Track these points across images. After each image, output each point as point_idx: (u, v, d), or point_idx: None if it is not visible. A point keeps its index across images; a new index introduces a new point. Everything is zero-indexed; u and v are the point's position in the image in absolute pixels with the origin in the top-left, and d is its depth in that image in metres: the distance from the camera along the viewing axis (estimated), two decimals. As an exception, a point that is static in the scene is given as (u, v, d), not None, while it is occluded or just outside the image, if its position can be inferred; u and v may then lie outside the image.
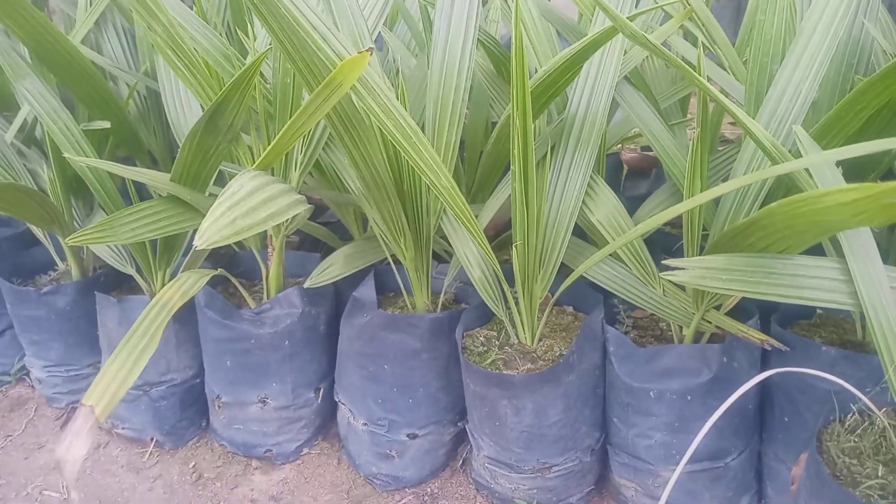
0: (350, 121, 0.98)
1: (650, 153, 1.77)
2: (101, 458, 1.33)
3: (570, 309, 1.24)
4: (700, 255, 1.06)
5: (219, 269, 1.16)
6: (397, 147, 0.92)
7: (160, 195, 1.19)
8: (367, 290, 1.25)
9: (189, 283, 1.00)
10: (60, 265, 1.49)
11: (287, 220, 1.20)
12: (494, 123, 1.50)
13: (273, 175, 1.18)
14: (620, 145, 1.82)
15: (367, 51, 0.79)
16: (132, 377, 0.81)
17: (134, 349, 0.84)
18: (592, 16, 1.21)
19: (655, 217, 0.94)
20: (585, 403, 1.09)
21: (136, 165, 1.60)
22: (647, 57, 1.39)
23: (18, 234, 1.55)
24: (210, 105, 1.01)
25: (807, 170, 0.90)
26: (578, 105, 1.13)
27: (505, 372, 1.07)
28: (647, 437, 1.07)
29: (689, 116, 1.46)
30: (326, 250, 1.41)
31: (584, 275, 1.10)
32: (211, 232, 0.76)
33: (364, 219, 1.47)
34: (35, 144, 1.61)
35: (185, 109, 1.36)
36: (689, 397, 1.03)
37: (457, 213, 0.99)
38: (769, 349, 1.02)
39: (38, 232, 1.47)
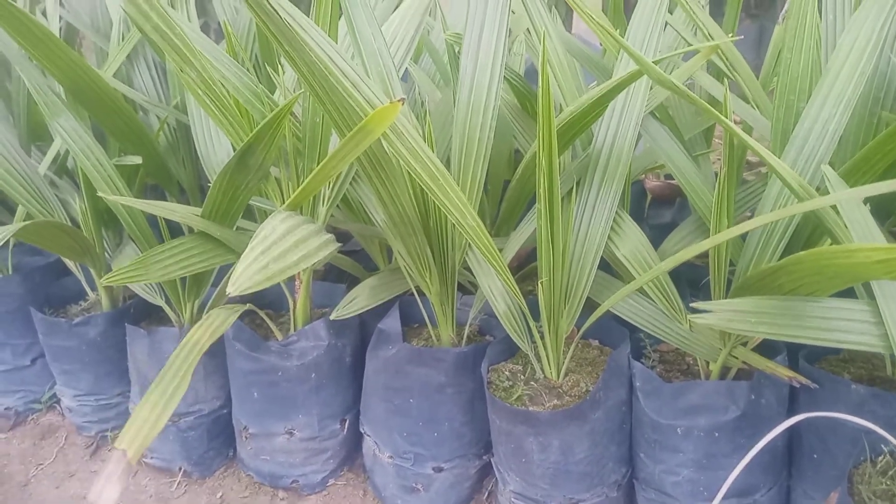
0: (378, 161, 1.00)
1: (674, 182, 1.77)
2: (130, 487, 1.34)
3: (596, 343, 1.24)
4: (727, 290, 1.06)
5: (248, 305, 1.18)
6: (424, 188, 0.93)
7: (190, 228, 1.21)
8: (392, 322, 1.26)
9: (218, 322, 1.01)
10: (91, 295, 1.52)
11: (314, 255, 1.22)
12: (517, 152, 1.52)
13: (301, 209, 1.21)
14: (644, 174, 1.82)
15: (399, 101, 0.80)
16: (163, 419, 0.83)
17: (165, 391, 0.86)
18: (617, 53, 1.22)
19: (681, 253, 0.94)
20: (612, 440, 1.09)
21: (164, 195, 1.64)
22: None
23: (50, 265, 1.58)
24: (241, 146, 1.03)
25: (834, 208, 0.90)
26: (604, 141, 1.14)
27: (531, 408, 1.07)
28: (674, 473, 1.07)
29: (712, 147, 1.47)
30: (351, 280, 1.42)
31: (610, 309, 1.10)
32: (244, 279, 0.78)
33: (389, 249, 1.48)
34: (66, 174, 1.65)
35: (214, 143, 1.38)
36: (716, 434, 1.03)
37: (483, 251, 1.00)
38: (797, 386, 1.02)
39: (70, 263, 1.50)
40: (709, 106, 0.89)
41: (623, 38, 1.09)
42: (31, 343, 1.53)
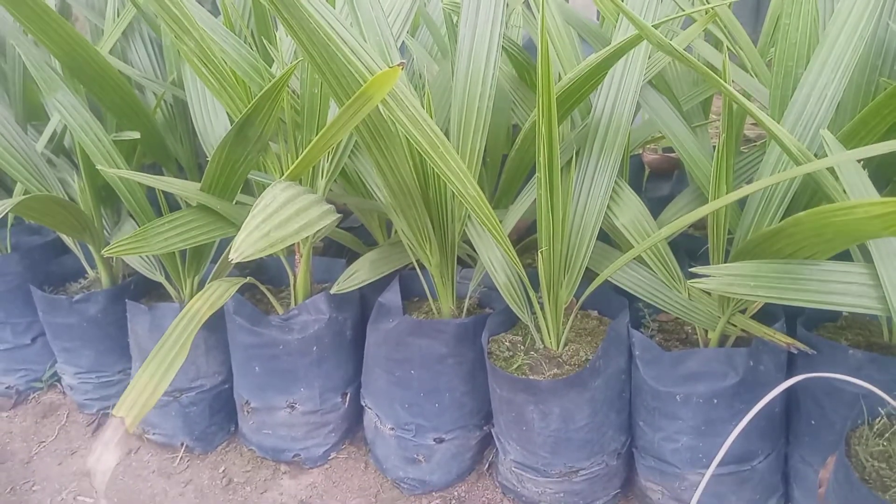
0: (377, 130, 1.00)
1: (672, 155, 1.77)
2: (132, 463, 1.35)
3: (595, 313, 1.24)
4: (725, 258, 1.06)
5: (248, 277, 1.18)
6: (424, 156, 0.93)
7: (188, 204, 1.21)
8: (392, 296, 1.26)
9: (218, 294, 1.02)
10: (90, 273, 1.52)
11: (314, 228, 1.22)
12: (515, 126, 1.51)
13: (300, 182, 1.21)
14: (642, 147, 1.82)
15: (398, 65, 0.80)
16: (161, 388, 0.83)
17: (164, 360, 0.86)
18: (616, 20, 1.21)
19: (680, 220, 0.95)
20: (611, 408, 1.10)
21: (162, 173, 1.63)
22: (670, 61, 1.39)
23: (48, 243, 1.57)
24: (240, 117, 1.03)
25: (832, 172, 0.91)
26: (602, 110, 1.14)
27: (531, 377, 1.08)
28: (673, 440, 1.08)
29: (710, 118, 1.47)
30: (351, 256, 1.42)
31: (609, 279, 1.10)
32: (246, 245, 0.78)
33: (388, 224, 1.48)
34: (63, 153, 1.64)
35: (212, 118, 1.38)
36: (715, 401, 1.03)
37: (483, 221, 1.00)
38: (795, 352, 1.02)
39: (68, 240, 1.49)
40: (709, 71, 0.89)
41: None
42: (32, 322, 1.53)
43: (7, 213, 1.08)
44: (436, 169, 0.95)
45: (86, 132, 1.25)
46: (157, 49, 1.60)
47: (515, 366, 1.11)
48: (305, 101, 1.15)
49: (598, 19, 1.53)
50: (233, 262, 0.76)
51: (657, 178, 1.79)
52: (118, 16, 1.57)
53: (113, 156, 1.28)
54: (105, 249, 0.97)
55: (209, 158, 1.32)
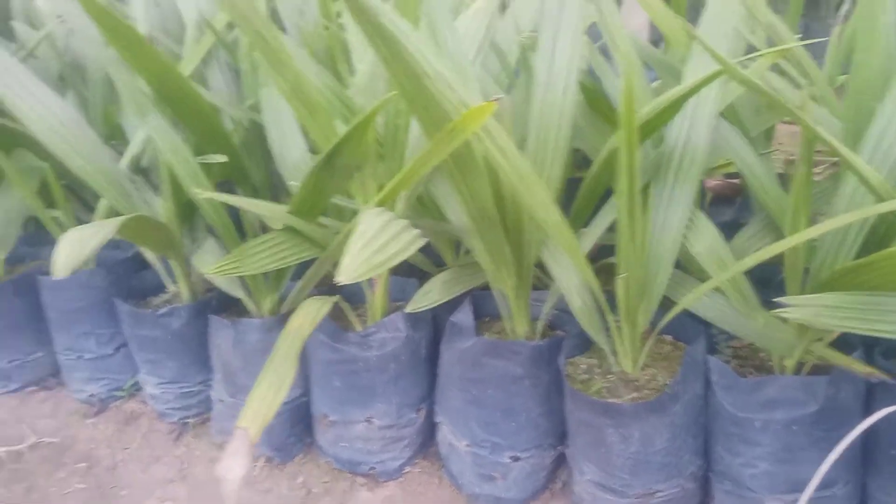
0: (461, 159, 1.03)
1: (734, 180, 1.78)
2: (214, 472, 1.40)
3: (669, 338, 1.27)
4: (802, 289, 1.08)
5: (336, 297, 1.23)
6: (513, 187, 0.97)
7: (262, 223, 1.27)
8: (464, 316, 1.29)
9: (315, 311, 1.07)
10: (171, 287, 1.58)
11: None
12: (576, 150, 1.54)
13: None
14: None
15: (494, 100, 0.84)
16: (279, 399, 0.89)
17: (276, 373, 0.91)
18: (684, 48, 1.24)
19: (763, 251, 0.97)
20: (689, 432, 1.12)
21: (235, 192, 1.69)
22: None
23: (130, 258, 1.65)
24: (330, 147, 1.07)
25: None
26: (676, 139, 1.17)
27: (610, 400, 1.11)
28: (752, 465, 1.09)
29: (773, 147, 1.48)
30: (422, 275, 1.47)
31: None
32: (351, 269, 0.83)
33: (457, 244, 1.52)
34: (139, 172, 1.71)
35: (289, 143, 1.43)
36: (794, 428, 1.05)
37: (565, 247, 1.04)
38: (875, 382, 1.03)
39: (151, 256, 1.56)
40: (794, 109, 0.91)
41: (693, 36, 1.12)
42: (115, 333, 1.60)
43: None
44: (523, 199, 0.99)
45: (174, 154, 1.31)
46: (234, 75, 1.67)
47: (594, 389, 1.13)
48: (390, 129, 1.19)
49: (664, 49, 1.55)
50: (339, 283, 0.81)
51: (719, 204, 1.80)
52: (197, 42, 1.63)
53: (199, 177, 1.34)
54: (210, 269, 1.03)
55: (288, 181, 1.38)
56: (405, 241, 0.94)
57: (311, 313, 1.06)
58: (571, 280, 1.18)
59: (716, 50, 0.98)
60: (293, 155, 1.43)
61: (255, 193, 1.67)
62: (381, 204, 1.06)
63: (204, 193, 1.17)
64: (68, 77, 1.79)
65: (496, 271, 1.20)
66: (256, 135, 1.64)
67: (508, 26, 1.53)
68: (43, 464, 1.47)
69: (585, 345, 1.25)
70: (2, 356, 1.67)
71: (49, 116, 1.35)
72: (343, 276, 0.81)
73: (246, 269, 1.06)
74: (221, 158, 1.34)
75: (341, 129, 1.17)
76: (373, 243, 0.89)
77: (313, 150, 1.47)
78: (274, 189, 1.71)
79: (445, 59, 1.17)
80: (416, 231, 1.00)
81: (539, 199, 0.99)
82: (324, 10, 1.59)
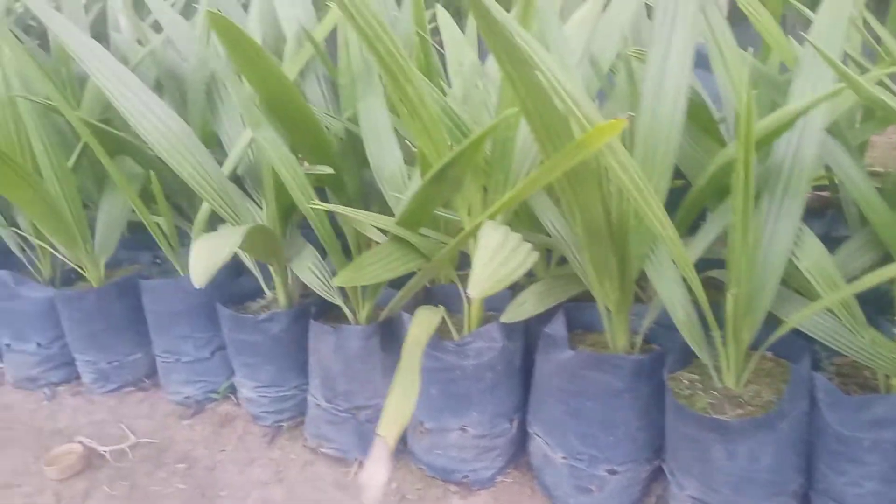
0: (574, 173, 1.05)
1: (823, 193, 1.76)
2: (309, 475, 1.44)
3: (770, 354, 1.26)
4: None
5: (441, 308, 1.25)
6: (634, 201, 0.98)
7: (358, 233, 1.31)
8: (558, 328, 1.31)
9: (428, 321, 1.09)
10: (268, 293, 1.63)
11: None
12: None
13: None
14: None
15: (625, 117, 0.85)
16: (410, 408, 0.92)
17: (405, 383, 0.94)
18: (788, 60, 1.23)
19: (880, 272, 0.96)
20: (793, 449, 1.11)
21: (328, 201, 1.74)
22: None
23: (229, 265, 1.70)
24: (442, 161, 1.10)
25: None
26: (786, 153, 1.16)
27: (719, 417, 1.11)
28: (857, 485, 1.08)
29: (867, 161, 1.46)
30: (514, 286, 1.48)
31: (785, 320, 1.12)
32: (480, 283, 0.85)
33: (549, 256, 1.53)
34: (234, 181, 1.77)
35: (385, 154, 1.47)
36: (906, 448, 1.03)
37: (677, 260, 1.04)
38: None
39: (249, 262, 1.61)
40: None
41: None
42: (212, 336, 1.66)
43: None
44: (642, 211, 1.00)
45: (283, 163, 1.35)
46: (330, 86, 1.71)
47: (699, 405, 1.13)
48: (497, 143, 1.22)
49: (763, 60, 1.55)
50: (473, 297, 0.83)
51: (809, 217, 1.77)
52: (296, 54, 1.69)
53: (306, 187, 1.38)
54: (336, 279, 1.07)
55: (386, 191, 1.42)
56: (523, 255, 0.96)
57: (425, 323, 1.09)
58: (675, 294, 1.18)
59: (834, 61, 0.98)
60: (390, 166, 1.47)
61: (349, 202, 1.72)
62: (491, 217, 1.08)
63: (319, 204, 1.21)
64: (165, 85, 1.86)
65: (600, 284, 1.21)
66: (351, 145, 1.69)
67: (604, 33, 1.54)
68: (144, 463, 1.52)
69: (686, 360, 1.25)
70: (102, 357, 1.74)
71: (162, 127, 1.41)
72: (474, 291, 0.83)
73: (363, 280, 1.09)
74: (328, 170, 1.38)
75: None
76: (496, 258, 0.91)
77: (407, 162, 1.51)
78: (365, 198, 1.75)
79: (567, 74, 1.19)
80: (528, 245, 1.02)
81: (656, 213, 1.00)
82: (417, 19, 1.62)
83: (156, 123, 1.40)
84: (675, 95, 1.15)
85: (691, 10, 1.13)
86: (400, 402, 0.92)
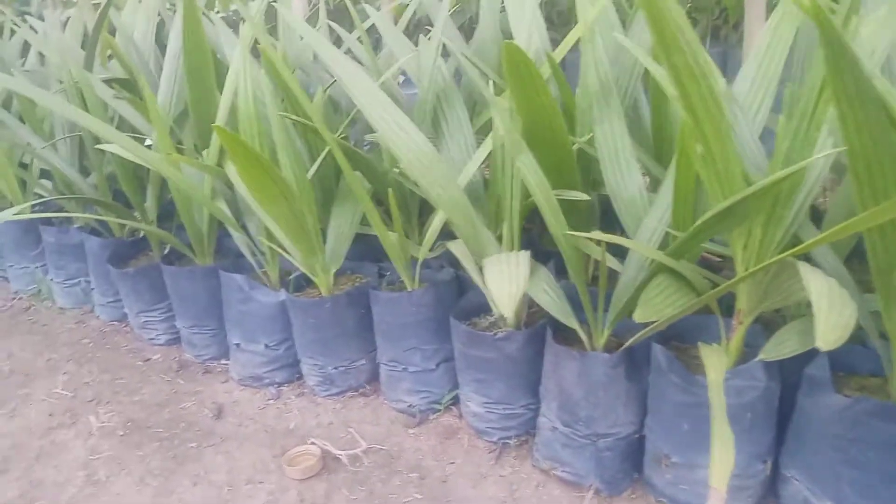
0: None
1: None
2: (543, 496, 1.45)
3: None
4: None
5: (720, 346, 1.23)
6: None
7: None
8: (821, 370, 1.25)
9: (720, 362, 1.08)
10: (495, 310, 1.65)
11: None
12: None
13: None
14: None
15: None
16: (732, 456, 0.90)
17: (721, 433, 0.94)
18: None
19: None
20: None
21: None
22: None
23: (452, 280, 1.74)
24: (734, 198, 1.07)
25: None
26: None
27: None
28: None
29: None
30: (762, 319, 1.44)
31: None
32: (829, 334, 0.82)
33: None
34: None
35: (626, 180, 1.46)
36: None
37: None
38: None
39: (478, 279, 1.64)
40: None
41: None
42: (437, 349, 1.70)
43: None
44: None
45: (540, 189, 1.36)
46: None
47: None
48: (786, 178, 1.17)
49: None
50: (822, 350, 0.80)
51: None
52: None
53: (558, 213, 1.38)
54: (635, 315, 1.07)
55: (620, 214, 1.42)
56: (850, 302, 0.92)
57: (718, 366, 1.07)
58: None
59: None
60: (630, 191, 1.46)
61: (578, 224, 1.72)
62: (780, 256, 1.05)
63: (583, 234, 1.21)
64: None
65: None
66: (583, 169, 1.69)
67: None
68: (377, 470, 1.58)
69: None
70: (329, 361, 1.82)
71: (415, 149, 1.45)
72: (823, 344, 0.81)
73: (653, 315, 1.09)
74: (584, 196, 1.38)
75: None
76: (833, 304, 0.88)
77: (649, 188, 1.49)
78: (591, 219, 1.75)
79: None
80: (846, 291, 0.98)
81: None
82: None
83: (410, 146, 1.45)
84: None
85: None
86: (723, 453, 0.92)
